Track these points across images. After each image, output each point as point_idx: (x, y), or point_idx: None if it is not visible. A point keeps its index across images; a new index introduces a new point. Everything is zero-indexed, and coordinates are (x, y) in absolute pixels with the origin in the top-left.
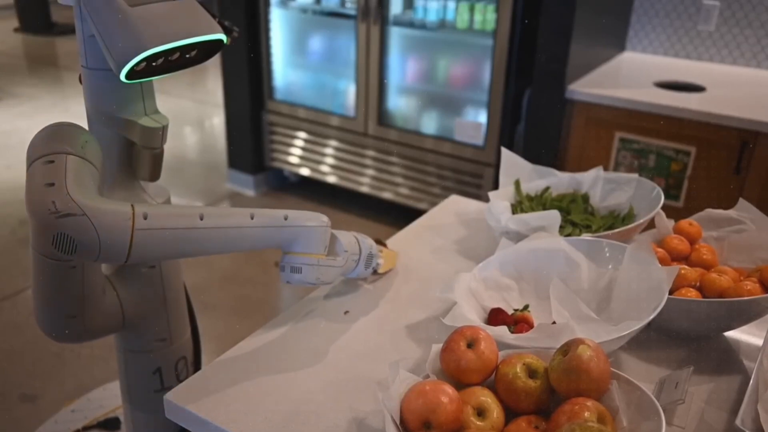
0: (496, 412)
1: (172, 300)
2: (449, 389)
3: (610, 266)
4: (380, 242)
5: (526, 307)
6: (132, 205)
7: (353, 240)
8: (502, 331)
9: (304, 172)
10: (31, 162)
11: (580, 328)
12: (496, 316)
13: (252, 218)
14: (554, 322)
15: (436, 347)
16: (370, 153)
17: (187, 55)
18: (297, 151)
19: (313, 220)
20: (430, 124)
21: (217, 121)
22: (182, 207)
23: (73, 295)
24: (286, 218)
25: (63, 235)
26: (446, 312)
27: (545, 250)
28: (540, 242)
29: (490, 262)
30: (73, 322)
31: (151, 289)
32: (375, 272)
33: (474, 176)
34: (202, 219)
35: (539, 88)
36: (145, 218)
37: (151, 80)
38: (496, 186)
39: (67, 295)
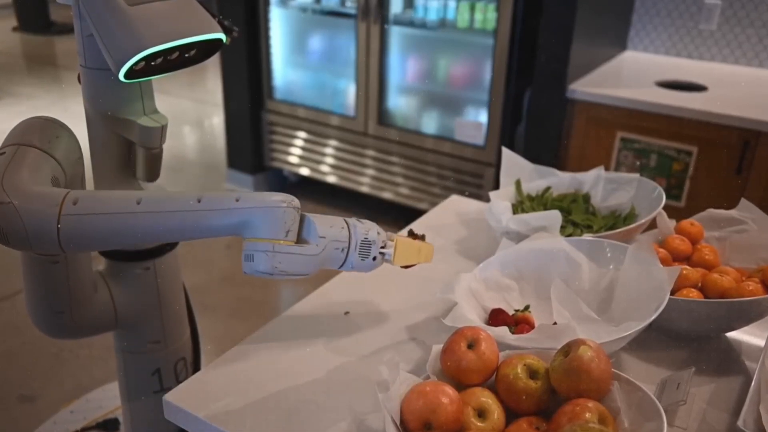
0: (496, 413)
1: (168, 302)
2: (450, 390)
3: (611, 266)
4: (412, 234)
5: (526, 308)
6: (68, 192)
7: (340, 225)
8: (502, 332)
9: (304, 172)
10: None
11: (581, 329)
12: (496, 317)
13: (199, 202)
14: (555, 323)
15: (437, 348)
16: (370, 153)
17: (186, 55)
18: (297, 151)
19: (268, 200)
20: (430, 124)
21: (217, 120)
22: (122, 192)
23: (59, 291)
24: (237, 200)
25: None
26: (447, 312)
27: (546, 251)
28: (541, 242)
29: (490, 262)
30: (61, 318)
31: (145, 290)
32: (406, 266)
33: (474, 176)
34: (139, 203)
35: (540, 88)
36: (75, 203)
37: (150, 80)
38: (496, 186)
39: (52, 290)
